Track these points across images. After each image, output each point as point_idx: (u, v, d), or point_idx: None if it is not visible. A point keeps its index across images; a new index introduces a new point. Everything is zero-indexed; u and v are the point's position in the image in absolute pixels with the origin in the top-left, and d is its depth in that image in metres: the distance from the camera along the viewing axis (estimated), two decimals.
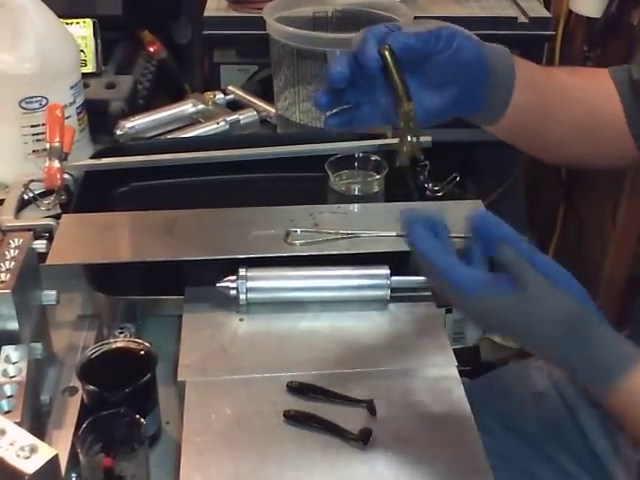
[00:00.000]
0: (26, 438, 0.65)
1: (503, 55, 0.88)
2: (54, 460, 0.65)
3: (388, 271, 0.99)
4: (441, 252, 0.72)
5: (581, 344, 0.72)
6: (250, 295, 0.98)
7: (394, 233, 0.98)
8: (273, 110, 1.43)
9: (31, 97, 1.19)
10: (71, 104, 1.24)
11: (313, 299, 1.00)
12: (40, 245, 0.99)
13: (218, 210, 1.09)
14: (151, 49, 1.69)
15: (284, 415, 0.85)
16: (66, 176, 1.17)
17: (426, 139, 1.04)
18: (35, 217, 1.13)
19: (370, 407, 0.86)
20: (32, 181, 1.16)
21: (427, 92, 0.82)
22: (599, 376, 0.73)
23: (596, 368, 0.73)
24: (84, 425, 0.76)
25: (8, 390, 0.77)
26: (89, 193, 1.16)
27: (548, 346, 0.73)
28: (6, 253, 0.86)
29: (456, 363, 0.93)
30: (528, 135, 0.94)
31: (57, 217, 1.10)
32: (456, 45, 0.81)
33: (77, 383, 0.84)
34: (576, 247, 1.98)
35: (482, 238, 0.72)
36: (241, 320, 0.99)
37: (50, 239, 1.02)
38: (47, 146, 1.16)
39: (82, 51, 1.40)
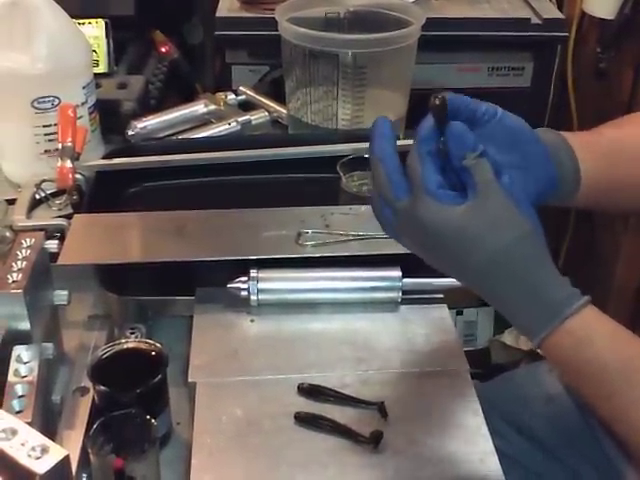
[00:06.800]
0: (37, 438, 0.65)
1: (549, 131, 0.85)
2: (65, 460, 0.65)
3: (399, 273, 0.99)
4: (429, 149, 0.73)
5: (532, 266, 0.72)
6: (261, 296, 0.98)
7: None
8: (285, 111, 1.43)
9: (43, 97, 1.19)
10: (83, 104, 1.24)
11: (324, 300, 1.00)
12: (52, 245, 0.99)
13: (229, 211, 1.09)
14: (163, 49, 1.69)
15: (295, 417, 0.85)
16: (78, 176, 1.17)
17: None
18: (47, 217, 1.13)
19: (381, 409, 0.86)
20: (44, 181, 1.16)
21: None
22: (546, 309, 0.72)
23: (543, 299, 0.72)
24: (95, 425, 0.76)
25: (19, 390, 0.77)
26: (101, 193, 1.16)
27: (494, 262, 0.72)
28: (18, 253, 0.86)
29: (467, 365, 0.93)
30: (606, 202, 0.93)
31: (69, 217, 1.10)
32: (500, 113, 0.79)
33: (88, 383, 0.84)
34: (588, 251, 1.97)
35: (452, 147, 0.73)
36: (252, 321, 0.99)
37: (62, 239, 1.03)
38: (59, 146, 1.16)
39: (94, 51, 1.40)
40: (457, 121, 0.72)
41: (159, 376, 0.82)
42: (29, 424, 0.69)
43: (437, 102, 0.72)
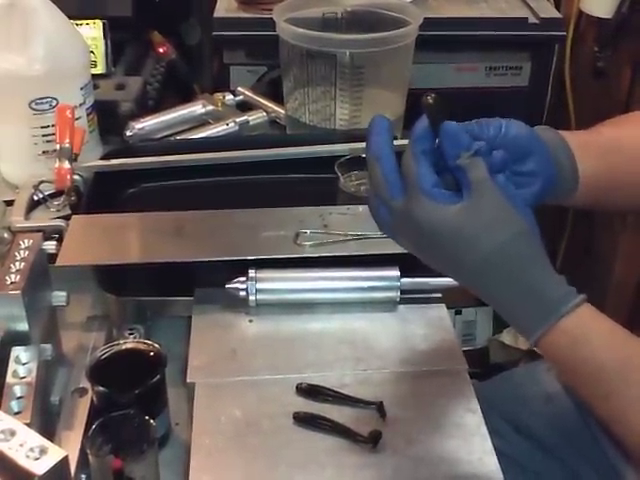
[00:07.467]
0: (36, 439, 0.65)
1: (548, 130, 0.85)
2: (64, 461, 0.65)
3: (398, 273, 0.99)
4: (424, 148, 0.73)
5: (528, 264, 0.72)
6: (260, 296, 0.98)
7: None
8: (282, 111, 1.43)
9: (41, 98, 1.19)
10: (81, 105, 1.24)
11: (323, 300, 1.00)
12: (50, 246, 0.99)
13: (228, 211, 1.09)
14: (161, 50, 1.69)
15: (293, 417, 0.85)
16: (76, 177, 1.17)
17: None
18: (45, 218, 1.13)
19: (380, 409, 0.86)
20: (42, 182, 1.16)
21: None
22: (542, 308, 0.72)
23: (539, 298, 0.72)
24: (94, 426, 0.76)
25: (18, 391, 0.78)
26: (99, 194, 1.16)
27: (489, 261, 0.72)
28: (16, 254, 0.86)
29: (466, 365, 0.93)
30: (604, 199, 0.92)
31: (67, 218, 1.10)
32: (504, 126, 0.79)
33: (87, 384, 0.84)
34: (586, 249, 1.97)
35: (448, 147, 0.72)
36: (250, 321, 0.99)
37: (60, 240, 1.02)
38: (57, 147, 1.16)
39: (92, 52, 1.40)
40: (451, 122, 0.73)
41: (158, 376, 0.82)
42: (28, 425, 0.69)
43: (430, 101, 0.72)
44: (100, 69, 1.45)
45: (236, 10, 1.66)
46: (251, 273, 0.98)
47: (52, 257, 0.97)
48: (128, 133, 1.34)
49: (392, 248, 0.82)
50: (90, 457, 0.74)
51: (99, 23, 1.46)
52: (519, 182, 0.78)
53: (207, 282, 1.01)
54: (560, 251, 2.03)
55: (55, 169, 1.15)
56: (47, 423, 0.81)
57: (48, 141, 1.21)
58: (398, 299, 1.00)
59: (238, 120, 1.39)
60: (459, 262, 0.74)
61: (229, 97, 1.49)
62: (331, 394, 0.88)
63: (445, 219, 0.72)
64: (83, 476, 0.77)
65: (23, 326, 0.82)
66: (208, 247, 1.03)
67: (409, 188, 0.73)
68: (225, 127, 1.39)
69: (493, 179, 0.72)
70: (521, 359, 1.91)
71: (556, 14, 1.72)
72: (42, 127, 1.21)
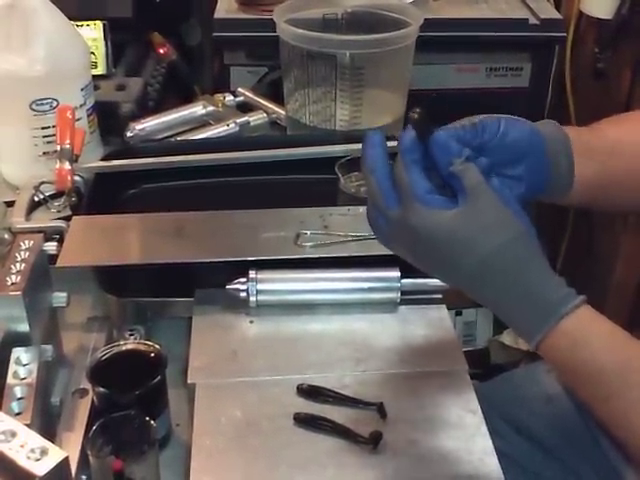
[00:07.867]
0: (37, 440, 0.65)
1: (552, 125, 0.85)
2: (64, 462, 0.65)
3: (398, 273, 0.99)
4: (414, 157, 0.73)
5: (525, 267, 0.72)
6: (260, 297, 0.98)
7: None
8: (283, 112, 1.43)
9: (42, 99, 1.19)
10: (81, 106, 1.24)
11: (323, 301, 1.00)
12: (50, 247, 0.99)
13: (228, 212, 1.09)
14: (161, 51, 1.69)
15: (294, 418, 0.85)
16: (76, 178, 1.17)
17: None
18: (46, 219, 1.13)
19: (380, 410, 0.86)
20: (43, 183, 1.16)
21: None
22: (541, 310, 0.72)
23: (537, 300, 0.72)
24: (94, 427, 0.76)
25: (18, 392, 0.78)
26: (99, 195, 1.16)
27: (486, 264, 0.72)
28: (17, 255, 0.86)
29: (466, 365, 0.93)
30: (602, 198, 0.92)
31: (67, 219, 1.10)
32: (503, 128, 0.80)
33: (87, 385, 0.84)
34: (587, 250, 1.97)
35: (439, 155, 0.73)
36: (251, 322, 0.99)
37: (60, 241, 1.02)
38: (57, 148, 1.16)
39: (92, 53, 1.40)
40: (439, 131, 0.73)
41: (158, 377, 0.82)
42: (28, 426, 0.69)
43: (416, 116, 0.72)
44: (100, 70, 1.45)
45: (236, 11, 1.66)
46: (251, 274, 0.98)
47: (53, 258, 0.97)
48: (129, 134, 1.34)
49: None
50: (91, 458, 0.74)
51: (99, 24, 1.46)
52: (508, 184, 0.78)
53: (207, 283, 1.01)
54: (561, 252, 2.03)
55: (56, 170, 1.15)
56: (48, 424, 0.81)
57: (49, 142, 1.21)
58: (398, 300, 1.00)
59: (239, 121, 1.40)
60: (456, 266, 0.74)
61: (229, 98, 1.49)
62: (332, 395, 0.88)
63: (440, 223, 0.72)
64: (84, 477, 0.77)
65: (24, 327, 0.82)
66: (208, 248, 1.03)
67: (403, 197, 0.73)
68: (226, 128, 1.39)
69: (488, 183, 0.72)
70: (521, 360, 1.91)
71: (556, 15, 1.72)
72: (43, 128, 1.21)
